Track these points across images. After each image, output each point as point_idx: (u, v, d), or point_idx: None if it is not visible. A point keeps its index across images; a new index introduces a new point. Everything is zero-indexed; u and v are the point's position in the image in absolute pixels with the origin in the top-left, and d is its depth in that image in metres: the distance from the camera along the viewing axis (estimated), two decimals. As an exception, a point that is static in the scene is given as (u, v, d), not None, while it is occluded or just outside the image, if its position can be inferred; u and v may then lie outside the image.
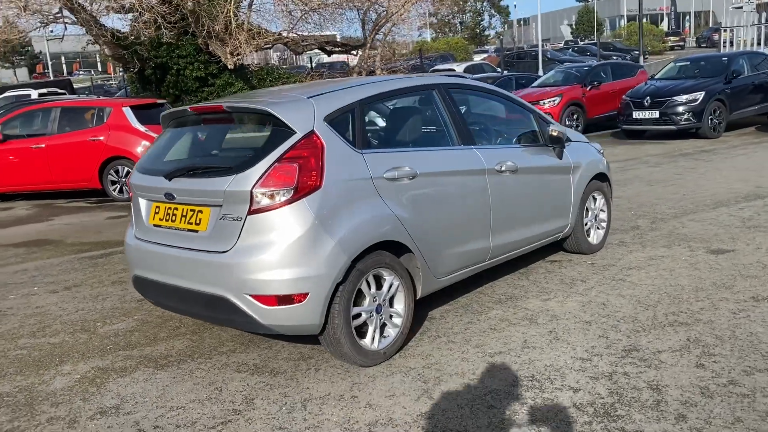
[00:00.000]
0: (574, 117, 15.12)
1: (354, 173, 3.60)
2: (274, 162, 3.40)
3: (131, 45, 23.05)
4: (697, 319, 4.07)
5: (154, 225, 3.87)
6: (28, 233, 8.52)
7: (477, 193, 4.30)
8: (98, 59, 64.59)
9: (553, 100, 15.04)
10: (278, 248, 3.36)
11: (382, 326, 3.79)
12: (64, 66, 69.71)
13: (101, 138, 10.56)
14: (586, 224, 5.53)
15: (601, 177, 5.67)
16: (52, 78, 41.01)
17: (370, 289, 3.68)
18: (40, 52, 64.45)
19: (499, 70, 26.37)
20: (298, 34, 24.84)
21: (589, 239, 5.59)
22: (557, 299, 4.60)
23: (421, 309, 4.52)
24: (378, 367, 3.71)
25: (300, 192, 3.38)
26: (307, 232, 3.38)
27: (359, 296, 3.65)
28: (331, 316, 3.50)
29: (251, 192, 3.36)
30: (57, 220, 9.32)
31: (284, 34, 24.62)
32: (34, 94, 23.09)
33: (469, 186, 4.25)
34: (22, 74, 65.86)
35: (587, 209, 5.53)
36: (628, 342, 3.82)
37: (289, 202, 3.37)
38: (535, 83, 16.80)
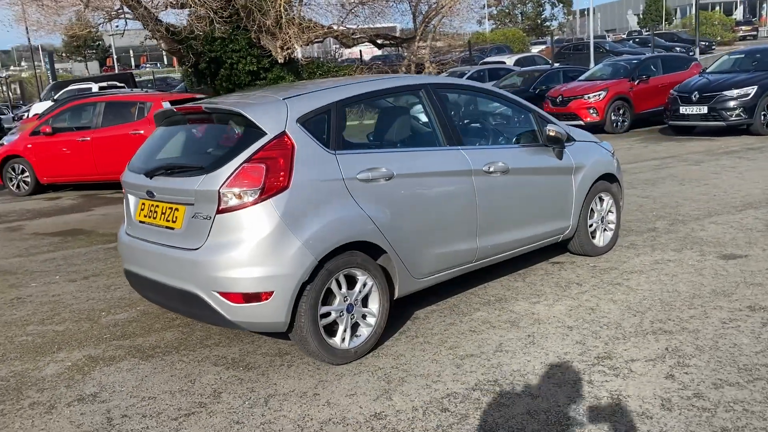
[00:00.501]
0: (620, 112, 14.71)
1: (325, 174, 3.65)
2: (243, 162, 3.48)
3: (186, 39, 23.73)
4: (682, 328, 3.95)
5: (140, 221, 4.02)
6: (67, 223, 8.94)
7: (461, 194, 4.28)
8: (163, 53, 66.51)
9: (598, 95, 14.68)
10: (245, 247, 3.45)
11: (355, 325, 3.83)
12: (132, 59, 72.10)
13: (141, 132, 10.92)
14: (590, 226, 5.41)
15: (610, 178, 5.53)
16: (117, 71, 42.49)
17: (340, 288, 3.72)
18: (110, 45, 66.86)
19: (550, 62, 25.86)
20: (348, 27, 25.04)
21: (595, 241, 5.47)
22: (546, 302, 4.53)
23: (406, 308, 4.55)
24: (348, 365, 3.76)
25: (267, 192, 3.45)
26: (273, 232, 3.45)
27: (329, 295, 3.70)
28: (298, 315, 3.56)
29: (219, 192, 3.46)
30: (96, 211, 9.73)
31: (334, 27, 24.93)
32: (94, 87, 24.05)
33: (452, 187, 4.24)
34: (93, 67, 68.63)
35: (592, 210, 5.42)
36: (604, 349, 3.74)
37: (256, 202, 3.44)
38: (582, 77, 16.42)
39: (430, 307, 4.59)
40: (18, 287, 5.94)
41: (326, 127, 3.80)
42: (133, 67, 63.93)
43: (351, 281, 3.80)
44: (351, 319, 3.79)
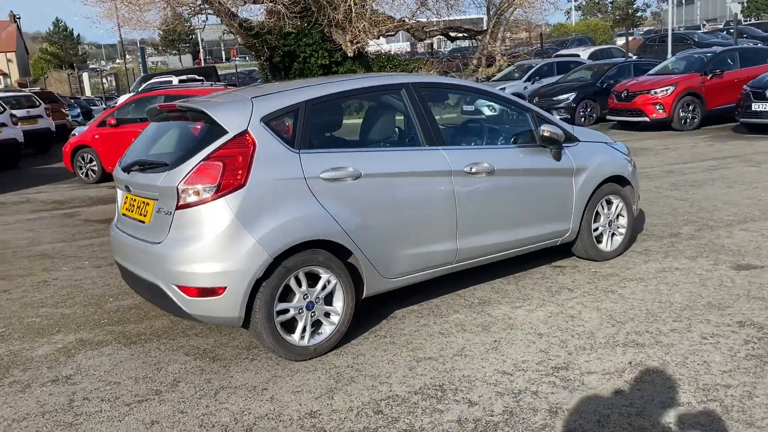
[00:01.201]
0: (690, 108, 13.99)
1: (285, 173, 3.70)
2: (202, 160, 3.59)
3: (261, 34, 24.39)
4: (657, 341, 3.77)
5: (123, 214, 4.21)
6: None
7: (438, 195, 4.23)
8: (251, 46, 68.39)
9: (666, 90, 14.03)
10: (199, 243, 3.56)
11: (316, 323, 3.87)
12: (222, 53, 74.62)
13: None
14: (596, 229, 5.22)
15: (620, 180, 5.31)
16: (203, 64, 44.14)
17: (300, 286, 3.77)
18: (202, 39, 69.49)
19: (630, 55, 24.84)
20: (418, 21, 24.97)
21: (601, 246, 5.27)
22: (529, 307, 4.42)
23: (387, 307, 4.55)
24: (306, 362, 3.81)
25: (222, 190, 3.55)
26: (227, 229, 3.54)
27: (289, 292, 3.76)
28: (254, 311, 3.65)
29: (177, 188, 3.58)
30: (147, 200, 10.18)
31: (406, 20, 24.89)
32: (174, 80, 25.07)
33: (427, 187, 4.19)
34: (187, 60, 71.61)
35: (598, 214, 5.22)
36: (564, 359, 3.63)
37: (212, 199, 3.55)
38: (652, 70, 15.70)
39: (411, 307, 4.57)
40: (50, 270, 6.34)
41: (293, 126, 3.85)
42: (223, 61, 66.26)
43: (315, 278, 3.84)
44: (312, 316, 3.83)
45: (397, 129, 4.46)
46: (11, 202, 10.84)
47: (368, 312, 4.47)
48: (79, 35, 70.00)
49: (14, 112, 16.48)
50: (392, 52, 29.34)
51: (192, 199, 3.57)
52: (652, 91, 14.13)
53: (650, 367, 3.47)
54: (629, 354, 3.63)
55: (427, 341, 3.99)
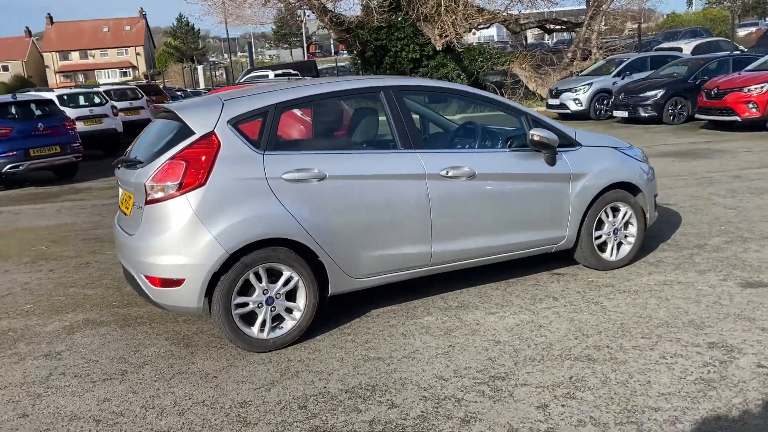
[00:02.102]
0: (788, 107, 12.92)
1: (247, 173, 3.89)
2: (168, 159, 3.85)
3: (353, 29, 24.85)
4: (612, 358, 3.64)
5: (119, 207, 4.56)
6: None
7: (410, 198, 4.27)
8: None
9: (762, 87, 13.05)
10: (163, 236, 3.82)
11: (277, 317, 4.04)
12: (332, 46, 76.32)
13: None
14: (598, 238, 5.05)
15: (629, 187, 5.10)
16: (305, 59, 45.46)
17: (260, 281, 3.95)
18: (314, 33, 71.37)
19: (742, 48, 23.19)
20: (510, 13, 24.48)
21: (604, 255, 5.10)
22: (502, 314, 4.38)
23: (364, 306, 4.66)
24: (264, 354, 3.99)
25: (184, 188, 3.78)
26: (187, 225, 3.78)
27: (249, 287, 3.95)
28: (213, 303, 3.87)
29: (145, 185, 3.86)
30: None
31: (500, 12, 24.48)
32: (270, 75, 26.06)
33: (398, 190, 4.24)
34: (298, 54, 73.86)
35: (601, 221, 5.05)
36: (507, 369, 3.59)
37: (174, 196, 3.79)
38: (751, 66, 14.63)
39: (390, 307, 4.64)
40: (95, 253, 6.90)
41: (260, 128, 4.02)
42: (332, 54, 67.79)
43: (277, 275, 4.00)
44: (272, 311, 4.00)
45: (373, 132, 4.52)
46: (97, 188, 11.77)
47: (345, 310, 4.59)
48: (199, 30, 73.97)
49: (118, 103, 17.82)
50: (483, 44, 28.94)
51: (158, 195, 3.83)
52: (746, 89, 13.19)
53: (589, 383, 3.37)
54: (575, 368, 3.54)
55: (385, 342, 4.06)
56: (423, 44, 24.27)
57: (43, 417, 3.41)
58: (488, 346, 3.91)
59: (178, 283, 3.81)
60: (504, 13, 24.21)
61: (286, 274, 4.01)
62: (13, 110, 12.44)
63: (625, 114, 16.08)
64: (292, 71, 27.70)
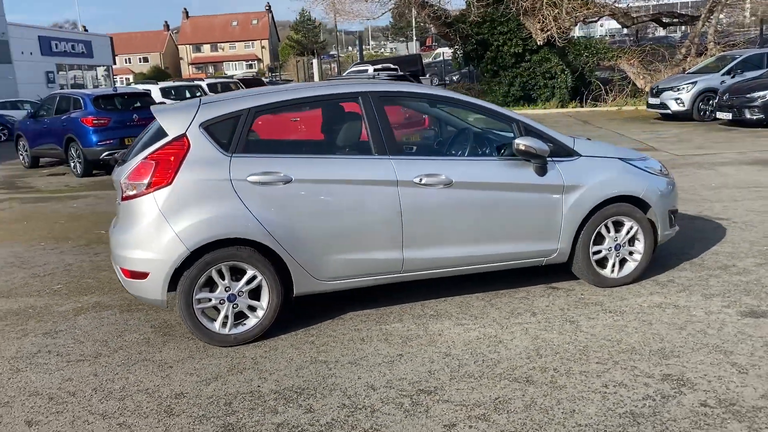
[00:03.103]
0: None
1: (213, 175, 4.06)
2: (141, 159, 4.09)
3: (454, 23, 24.70)
4: (551, 382, 3.49)
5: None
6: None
7: (380, 204, 4.27)
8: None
9: None
10: (132, 232, 4.08)
11: (240, 314, 4.19)
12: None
13: (297, 119, 12.08)
14: (597, 253, 4.81)
15: (636, 201, 4.82)
16: (415, 52, 45.56)
17: (223, 279, 4.12)
18: (425, 26, 71.25)
19: None
20: (618, 6, 23.30)
21: (603, 271, 4.85)
22: (469, 327, 4.30)
23: (342, 309, 4.72)
24: (225, 349, 4.16)
25: (152, 186, 4.02)
26: (152, 222, 4.01)
27: (213, 283, 4.13)
28: (176, 297, 4.08)
29: (121, 182, 4.13)
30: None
31: (610, 4, 23.39)
32: (370, 69, 26.41)
33: (367, 195, 4.25)
34: (414, 47, 74.20)
35: (601, 236, 4.80)
36: (439, 384, 3.54)
37: (143, 194, 4.03)
38: None
39: (366, 311, 4.68)
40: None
41: (232, 131, 4.17)
42: (451, 47, 67.52)
43: (241, 273, 4.16)
44: (234, 308, 4.16)
45: (347, 137, 4.55)
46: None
47: (321, 310, 4.68)
48: (320, 24, 76.07)
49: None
50: (589, 38, 27.75)
51: (131, 192, 4.09)
52: None
53: (511, 406, 3.26)
54: (508, 389, 3.43)
55: (341, 346, 4.11)
56: (526, 38, 23.69)
57: (9, 390, 3.76)
58: (436, 358, 3.86)
59: (143, 275, 4.05)
60: (612, 6, 23.10)
61: (249, 273, 4.14)
62: (114, 102, 13.49)
63: (729, 116, 14.95)
64: (391, 66, 27.95)
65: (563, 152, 4.69)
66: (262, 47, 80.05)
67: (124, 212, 4.15)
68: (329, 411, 3.32)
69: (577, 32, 32.38)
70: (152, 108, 4.55)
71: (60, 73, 38.06)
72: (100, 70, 43.85)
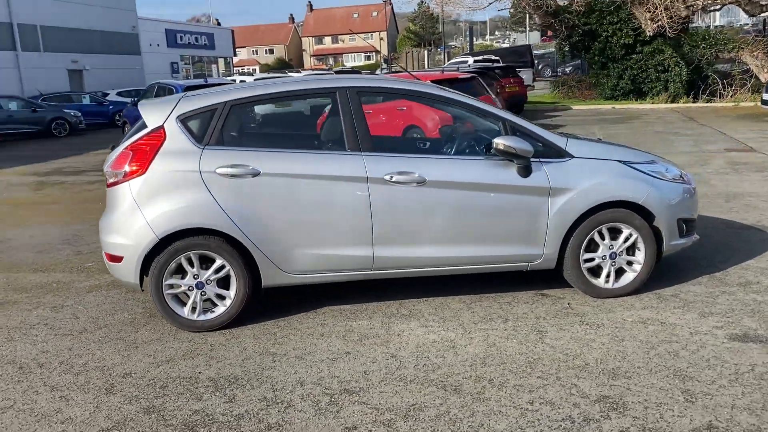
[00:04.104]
0: None
1: (183, 166, 4.21)
2: (123, 149, 4.32)
3: (560, 12, 23.81)
4: (478, 393, 3.35)
5: None
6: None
7: (349, 200, 4.25)
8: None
9: None
10: (111, 217, 4.32)
11: (208, 301, 4.34)
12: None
13: (404, 108, 12.08)
14: (589, 260, 4.53)
15: (638, 209, 4.49)
16: (527, 43, 44.33)
17: (192, 267, 4.27)
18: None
19: None
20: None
21: (596, 280, 4.56)
22: (432, 329, 4.20)
23: (321, 302, 4.76)
24: (192, 334, 4.32)
25: (127, 176, 4.23)
26: (126, 209, 4.23)
27: (183, 270, 4.30)
28: (147, 282, 4.29)
29: (105, 171, 4.38)
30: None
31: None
32: (470, 60, 26.09)
33: (336, 191, 4.25)
34: (535, 37, 72.33)
35: (594, 243, 4.52)
36: (366, 385, 3.50)
37: (120, 182, 4.26)
38: None
39: (342, 306, 4.68)
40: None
41: (207, 124, 4.30)
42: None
43: (211, 262, 4.30)
44: (202, 295, 4.31)
45: (323, 133, 4.54)
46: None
47: (297, 303, 4.74)
48: (436, 15, 75.73)
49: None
50: (710, 27, 25.76)
51: (112, 180, 4.33)
52: None
53: (422, 415, 3.17)
54: (429, 397, 3.33)
55: (297, 340, 4.15)
56: (637, 28, 22.44)
57: (-8, 357, 4.12)
58: (380, 359, 3.81)
59: (119, 259, 4.28)
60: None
61: (218, 262, 4.27)
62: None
63: None
64: (492, 57, 27.45)
65: (553, 153, 4.45)
66: (381, 39, 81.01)
67: (108, 199, 4.40)
68: (248, 403, 3.37)
69: (697, 22, 30.12)
70: (140, 102, 4.77)
71: (183, 63, 40.59)
72: (221, 62, 46.24)
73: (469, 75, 12.47)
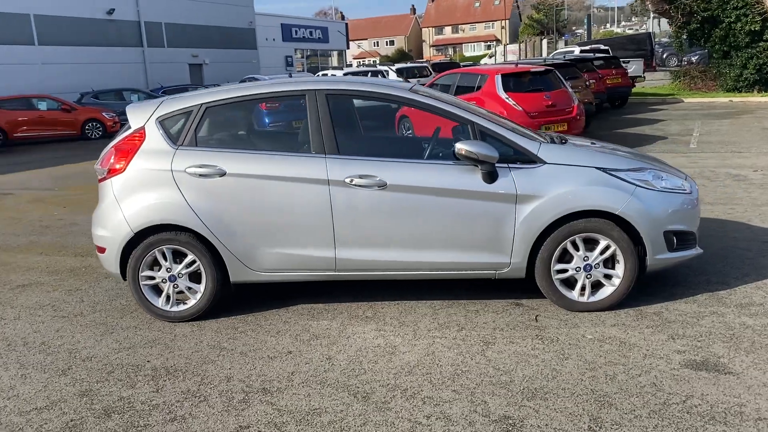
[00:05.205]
0: None
1: (158, 165, 4.46)
2: (109, 148, 4.64)
3: (677, -2, 22.31)
4: (382, 402, 3.33)
5: None
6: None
7: (311, 202, 4.32)
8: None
9: None
10: (98, 211, 4.65)
11: (180, 293, 4.58)
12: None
13: (473, 103, 11.91)
14: (562, 271, 4.33)
15: (618, 220, 4.23)
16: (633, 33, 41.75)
17: (166, 260, 4.53)
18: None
19: None
20: None
21: (569, 293, 4.35)
22: (383, 333, 4.19)
23: (294, 300, 4.88)
24: (163, 324, 4.57)
25: (110, 173, 4.55)
26: (109, 204, 4.54)
27: (158, 263, 4.56)
28: (127, 273, 4.59)
29: (96, 167, 4.73)
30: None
31: None
32: (576, 50, 25.07)
33: (298, 193, 4.32)
34: (655, 26, 68.06)
35: (568, 253, 4.31)
36: (287, 385, 3.57)
37: (105, 179, 4.58)
38: None
39: (315, 305, 4.76)
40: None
41: (182, 125, 4.53)
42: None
43: (184, 256, 4.53)
44: (174, 287, 4.55)
45: (289, 135, 4.61)
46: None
47: (274, 300, 4.88)
48: (562, 3, 73.20)
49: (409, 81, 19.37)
50: None
51: (100, 176, 4.66)
52: None
53: (315, 420, 3.20)
54: (334, 402, 3.36)
55: (250, 336, 4.27)
56: (764, 13, 20.58)
57: (-8, 334, 4.59)
58: (315, 360, 3.87)
59: (103, 250, 4.61)
60: None
61: (189, 257, 4.50)
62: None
63: None
64: (602, 46, 26.19)
65: (523, 159, 4.28)
66: (502, 27, 79.53)
67: (99, 194, 4.74)
68: (170, 394, 3.55)
69: None
70: (128, 105, 5.07)
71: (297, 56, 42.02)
72: (335, 55, 47.37)
73: (544, 68, 12.03)
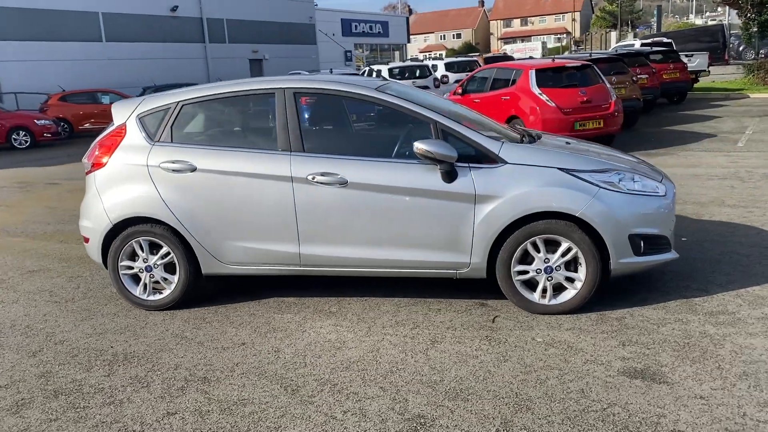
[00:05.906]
0: None
1: (135, 160, 4.67)
2: (95, 143, 4.89)
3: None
4: (309, 396, 3.41)
5: None
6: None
7: (275, 198, 4.42)
8: None
9: None
10: (84, 203, 4.91)
11: (157, 283, 4.79)
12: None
13: (507, 98, 11.78)
14: (522, 273, 4.28)
15: (579, 222, 4.16)
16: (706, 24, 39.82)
17: (142, 251, 4.74)
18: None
19: None
20: None
21: (530, 295, 4.30)
22: (337, 329, 4.26)
23: (268, 292, 5.01)
24: (140, 311, 4.79)
25: (94, 167, 4.79)
26: (92, 196, 4.79)
27: (137, 254, 4.78)
28: (108, 262, 4.83)
29: (83, 161, 4.98)
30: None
31: None
32: (636, 44, 24.25)
33: (262, 189, 4.44)
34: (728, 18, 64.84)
35: (529, 255, 4.27)
36: (227, 376, 3.70)
37: (90, 172, 4.83)
38: None
39: (285, 299, 4.87)
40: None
41: (159, 122, 4.72)
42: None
43: (159, 248, 4.73)
44: (151, 278, 4.76)
45: (261, 132, 4.71)
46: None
47: (251, 292, 5.03)
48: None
49: (454, 75, 19.29)
50: None
51: (86, 169, 4.92)
52: None
53: (240, 410, 3.31)
54: (265, 394, 3.46)
55: (214, 327, 4.42)
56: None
57: (-12, 316, 4.92)
58: (263, 353, 3.98)
59: (87, 240, 4.87)
60: None
61: (164, 249, 4.69)
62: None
63: None
64: (664, 40, 25.26)
65: (485, 158, 4.25)
66: (573, 20, 77.64)
67: (86, 185, 5.00)
68: (118, 379, 3.74)
69: None
70: (114, 102, 5.29)
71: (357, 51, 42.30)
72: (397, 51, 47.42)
73: (580, 64, 11.74)
